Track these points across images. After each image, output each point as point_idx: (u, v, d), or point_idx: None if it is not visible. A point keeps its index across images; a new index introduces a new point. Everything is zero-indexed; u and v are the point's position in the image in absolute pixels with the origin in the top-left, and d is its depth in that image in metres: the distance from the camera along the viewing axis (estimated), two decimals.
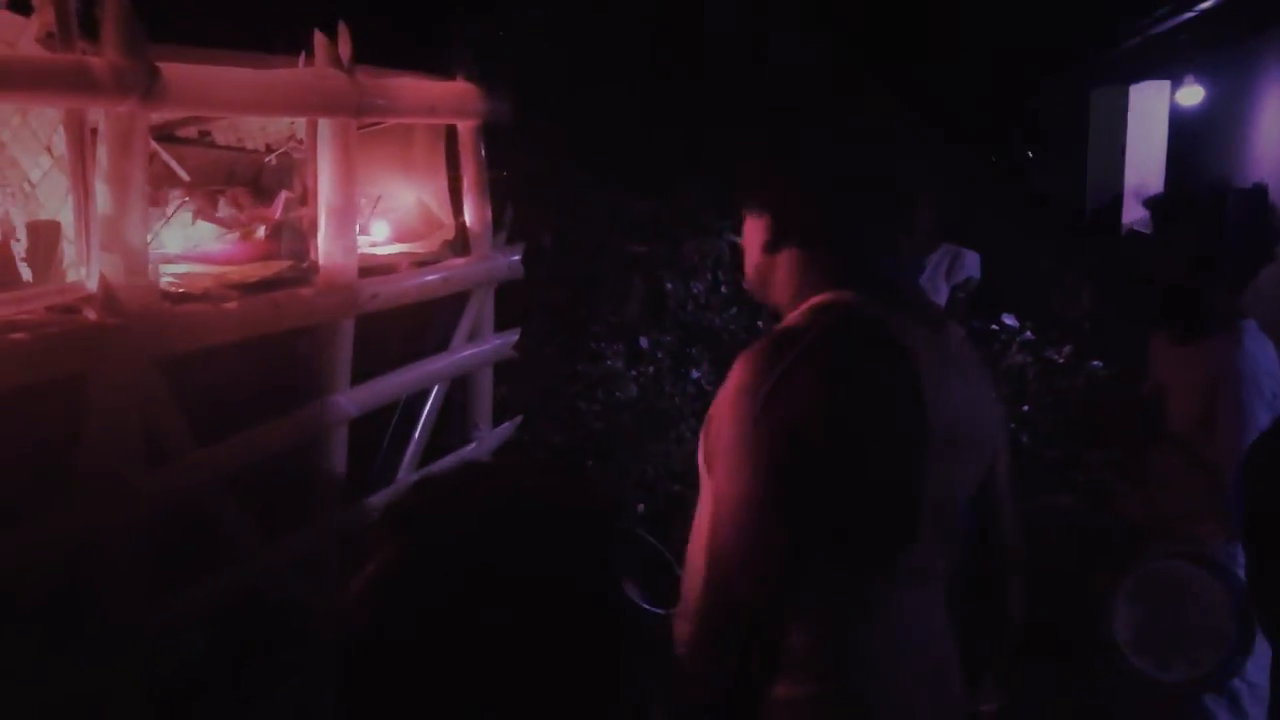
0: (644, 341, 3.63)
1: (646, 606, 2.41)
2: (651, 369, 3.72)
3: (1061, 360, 4.45)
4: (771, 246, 1.54)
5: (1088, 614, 2.24)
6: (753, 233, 1.57)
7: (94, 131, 1.83)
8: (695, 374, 3.78)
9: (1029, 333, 4.56)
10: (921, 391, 1.42)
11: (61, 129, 1.87)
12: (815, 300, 1.50)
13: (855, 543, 1.44)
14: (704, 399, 3.94)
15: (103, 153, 1.82)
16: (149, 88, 1.84)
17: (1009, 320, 4.55)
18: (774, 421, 1.37)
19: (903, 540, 1.44)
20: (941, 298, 4.06)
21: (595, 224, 3.43)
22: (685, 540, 1.98)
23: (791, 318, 1.53)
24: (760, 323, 3.92)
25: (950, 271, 4.22)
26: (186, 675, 2.18)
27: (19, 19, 1.94)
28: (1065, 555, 2.76)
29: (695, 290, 3.64)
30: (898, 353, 1.43)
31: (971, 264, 4.22)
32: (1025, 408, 4.24)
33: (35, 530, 1.74)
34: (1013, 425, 3.92)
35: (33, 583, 1.78)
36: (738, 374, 1.44)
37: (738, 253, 2.39)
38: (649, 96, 3.26)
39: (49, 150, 1.94)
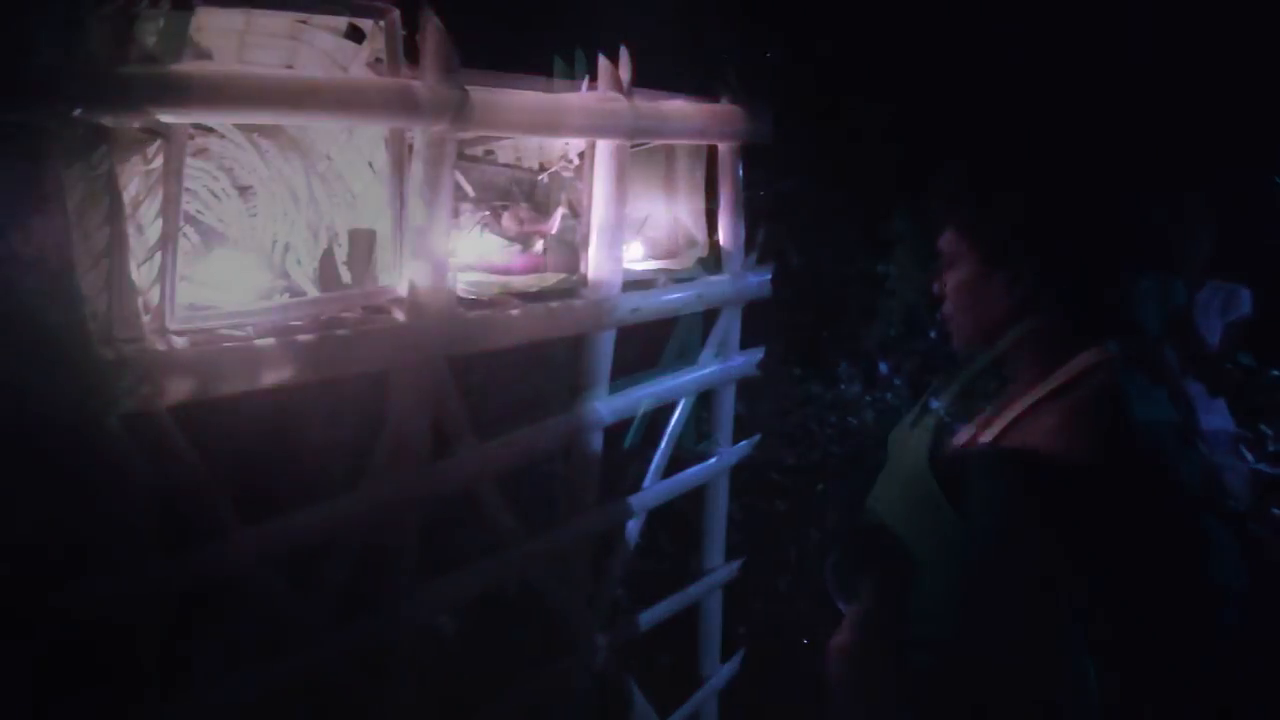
0: (884, 367, 3.56)
1: None
2: (889, 395, 3.63)
3: None
4: (1025, 297, 1.43)
5: None
6: (984, 284, 1.46)
7: (410, 148, 2.02)
8: (934, 404, 3.65)
9: None
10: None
11: (384, 145, 2.06)
12: (1102, 356, 1.40)
13: None
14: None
15: (418, 168, 2.00)
16: (460, 110, 2.00)
17: None
18: None
19: None
20: (1215, 336, 3.77)
21: (845, 245, 3.39)
22: None
23: (1087, 371, 1.42)
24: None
25: (1225, 309, 3.91)
26: (440, 657, 2.34)
27: (351, 46, 2.17)
28: None
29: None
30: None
31: (1245, 301, 3.91)
32: None
33: (335, 509, 1.92)
34: None
35: (329, 558, 1.97)
36: (1069, 436, 1.34)
37: None
38: (907, 117, 3.20)
39: (370, 165, 2.14)
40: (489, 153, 2.80)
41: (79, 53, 1.43)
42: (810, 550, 3.63)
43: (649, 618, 2.81)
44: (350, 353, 1.89)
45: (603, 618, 2.63)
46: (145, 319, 1.56)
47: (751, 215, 2.95)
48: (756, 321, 3.06)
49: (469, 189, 2.59)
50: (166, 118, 1.56)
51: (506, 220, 2.56)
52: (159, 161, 1.66)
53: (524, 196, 2.78)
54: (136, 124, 1.54)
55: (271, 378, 1.69)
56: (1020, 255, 1.36)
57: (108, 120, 1.48)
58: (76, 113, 1.45)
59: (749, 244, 2.95)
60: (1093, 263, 1.38)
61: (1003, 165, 1.47)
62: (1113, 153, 1.48)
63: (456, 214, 2.48)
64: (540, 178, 2.87)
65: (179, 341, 1.61)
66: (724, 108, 2.75)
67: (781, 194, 3.04)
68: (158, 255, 1.66)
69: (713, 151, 2.89)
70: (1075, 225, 1.38)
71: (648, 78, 2.50)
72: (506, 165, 2.85)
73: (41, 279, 1.32)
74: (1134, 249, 1.41)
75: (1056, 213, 1.39)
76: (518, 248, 2.51)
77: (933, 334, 3.72)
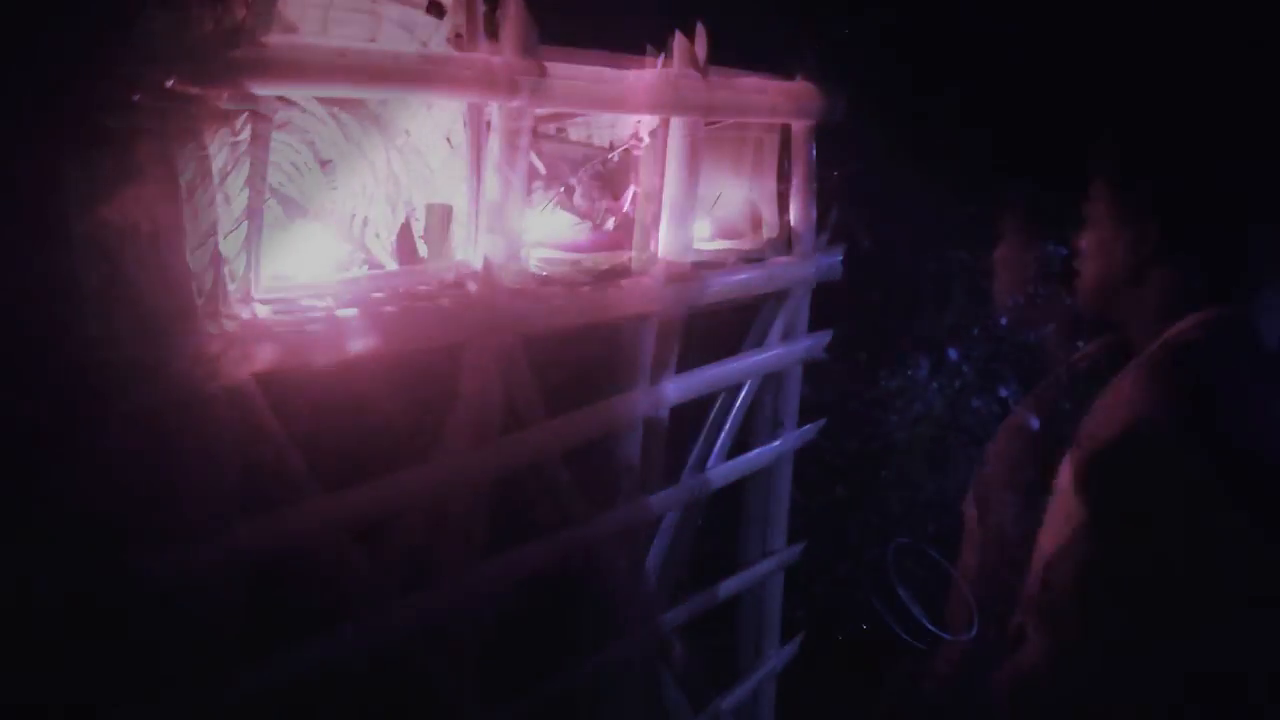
0: (953, 353, 3.50)
1: (930, 627, 2.31)
2: (957, 383, 3.57)
3: None
4: (1148, 257, 1.43)
5: None
6: (1112, 242, 1.47)
7: (488, 124, 2.02)
8: (1004, 392, 3.59)
9: None
10: None
11: (462, 121, 2.07)
12: (1203, 316, 1.40)
13: None
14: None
15: (494, 144, 2.00)
16: (537, 86, 2.00)
17: None
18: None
19: None
20: None
21: (919, 229, 3.33)
22: (974, 563, 1.88)
23: (1182, 331, 1.41)
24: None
25: None
26: (505, 630, 2.36)
27: (431, 20, 2.18)
28: None
29: (1012, 303, 3.45)
30: None
31: None
32: None
33: (407, 480, 1.95)
34: None
35: (400, 529, 2.00)
36: (1135, 392, 1.34)
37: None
38: (989, 97, 3.12)
39: (448, 140, 2.16)
40: (561, 130, 2.80)
41: (174, 25, 1.46)
42: (871, 537, 3.60)
43: (710, 598, 2.81)
44: (427, 325, 1.91)
45: (664, 597, 2.64)
46: (232, 289, 1.60)
47: (824, 196, 2.91)
48: (825, 305, 3.02)
49: (541, 166, 2.60)
50: (255, 90, 1.59)
51: (578, 198, 2.56)
52: (245, 134, 1.69)
53: (595, 174, 2.78)
54: (227, 96, 1.56)
55: (352, 349, 1.72)
56: (1148, 215, 1.40)
57: (201, 92, 1.51)
58: (170, 84, 1.48)
59: (820, 225, 2.92)
60: (1217, 226, 1.40)
61: (1141, 129, 1.50)
62: (1248, 121, 1.49)
63: (529, 191, 2.49)
64: (611, 156, 2.86)
65: (263, 311, 1.64)
66: (799, 86, 2.71)
67: (854, 175, 3.00)
68: (242, 226, 1.69)
69: (786, 131, 2.85)
70: (1203, 189, 1.41)
71: (723, 54, 2.47)
72: (578, 143, 2.84)
73: (153, 253, 1.35)
74: (1259, 216, 1.43)
75: (1187, 176, 1.42)
76: (588, 225, 2.51)
77: (1004, 321, 3.64)
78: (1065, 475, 1.48)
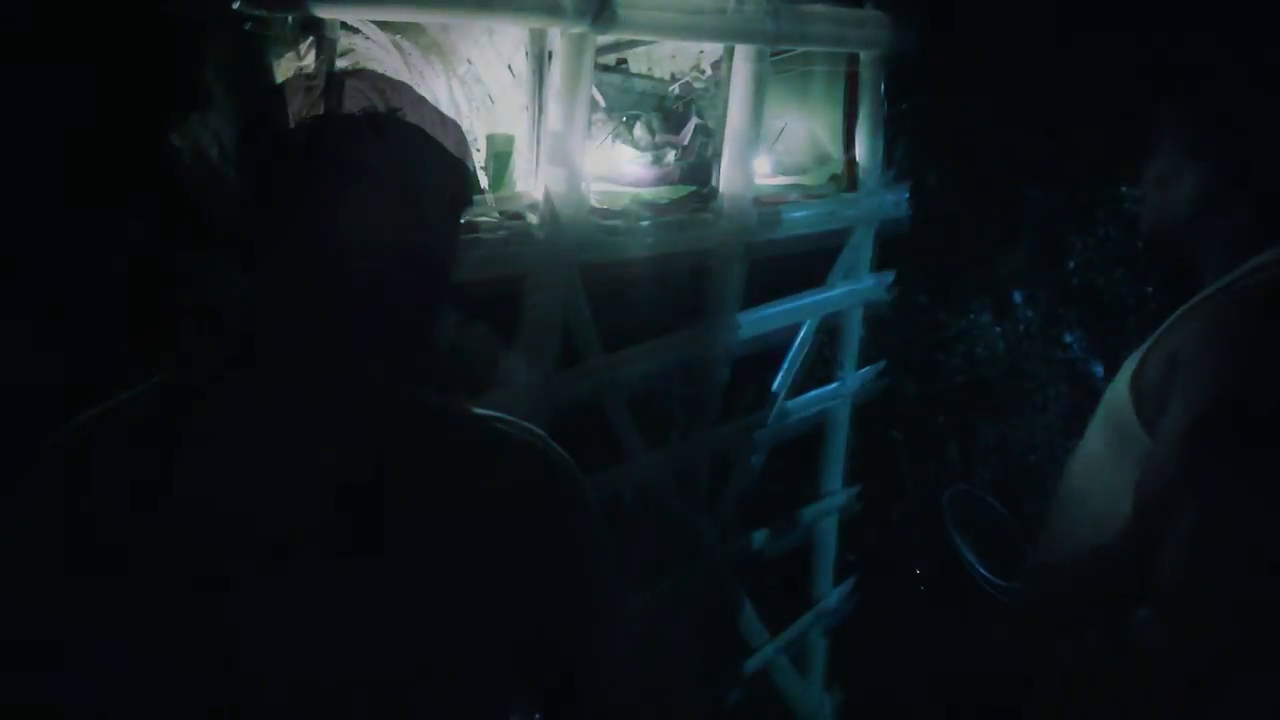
0: (1017, 296, 3.41)
1: (986, 575, 2.28)
2: (1021, 327, 3.48)
3: None
4: (1221, 192, 1.38)
5: None
6: (1188, 177, 1.42)
7: (549, 53, 1.98)
8: (1068, 338, 3.50)
9: None
10: None
11: (523, 49, 2.03)
12: (1256, 262, 1.34)
13: None
14: (1073, 366, 3.65)
15: (556, 72, 1.96)
16: (600, 12, 1.95)
17: None
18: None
19: None
20: None
21: (986, 164, 3.21)
22: (1035, 512, 1.84)
23: (1266, 265, 1.36)
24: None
25: None
26: None
27: None
28: None
29: (1079, 245, 3.34)
30: None
31: None
32: None
33: None
34: None
35: None
36: (1236, 334, 1.28)
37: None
38: (1065, 31, 2.98)
39: (510, 69, 2.12)
40: (621, 62, 2.74)
41: None
42: (928, 482, 3.56)
43: (765, 538, 2.80)
44: (489, 256, 1.89)
45: (720, 533, 2.64)
46: None
47: (891, 131, 2.82)
48: (891, 244, 2.95)
49: (600, 99, 2.55)
50: (320, 12, 1.57)
51: (638, 130, 2.51)
52: (310, 59, 1.67)
53: (656, 107, 2.72)
54: (290, 18, 1.54)
55: None
56: (1217, 149, 1.35)
57: (263, 12, 1.49)
58: (235, 5, 1.46)
59: (886, 161, 2.84)
60: None
61: (1212, 61, 1.45)
62: None
63: (590, 124, 2.45)
64: (672, 88, 2.80)
65: None
66: (868, 14, 2.62)
67: (923, 109, 2.90)
68: None
69: (854, 61, 2.76)
70: (1271, 125, 1.35)
71: None
72: (639, 75, 2.78)
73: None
74: None
75: (1255, 112, 1.36)
76: (649, 158, 2.46)
77: (1072, 264, 3.54)
78: (1119, 392, 1.41)
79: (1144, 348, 1.40)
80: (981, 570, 2.18)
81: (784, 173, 2.88)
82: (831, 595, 3.15)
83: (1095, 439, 1.49)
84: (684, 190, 2.37)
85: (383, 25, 2.06)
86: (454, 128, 0.92)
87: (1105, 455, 1.48)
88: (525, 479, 0.92)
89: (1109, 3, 3.14)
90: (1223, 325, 1.30)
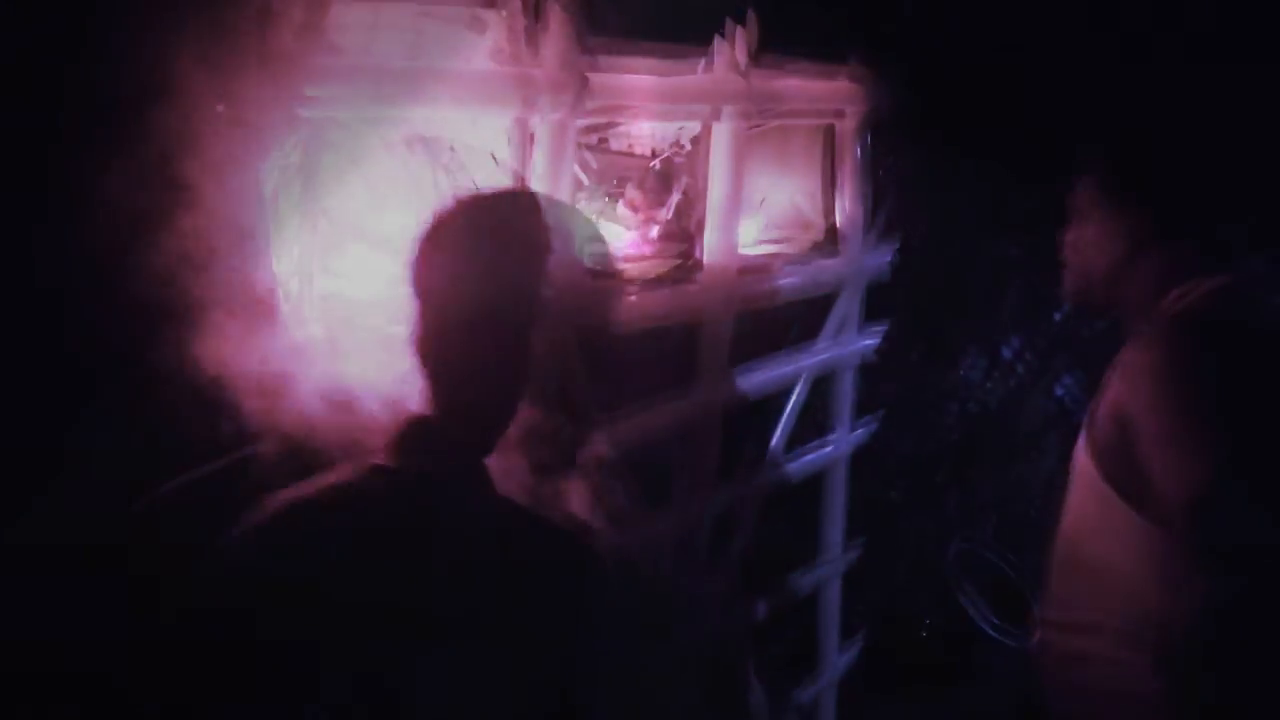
0: (1007, 351, 3.44)
1: (993, 633, 2.27)
2: (1013, 381, 3.51)
3: None
4: (1141, 242, 1.48)
5: None
6: (1107, 232, 1.51)
7: (531, 138, 2.04)
8: (1059, 390, 3.52)
9: None
10: None
11: (506, 136, 2.08)
12: (1201, 286, 1.44)
13: None
14: (1066, 416, 3.66)
15: (539, 157, 2.02)
16: (578, 97, 2.01)
17: None
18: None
19: None
20: None
21: (969, 225, 3.27)
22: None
23: (1182, 302, 1.44)
24: None
25: None
26: None
27: (474, 36, 2.20)
28: None
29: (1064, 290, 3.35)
30: None
31: None
32: None
33: None
34: None
35: None
36: (1168, 360, 1.35)
37: None
38: (1038, 92, 3.04)
39: (493, 156, 2.17)
40: (602, 140, 2.80)
41: (225, 44, 1.49)
42: (928, 540, 3.55)
43: (767, 602, 2.79)
44: None
45: (719, 598, 2.62)
46: (285, 308, 1.63)
47: (873, 193, 2.87)
48: (879, 304, 2.98)
49: (584, 177, 2.60)
50: (305, 110, 1.62)
51: (621, 207, 2.57)
52: (296, 156, 1.72)
53: (638, 184, 2.78)
54: (277, 116, 1.59)
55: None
56: (1142, 203, 1.46)
57: (251, 114, 1.54)
58: (219, 109, 1.51)
59: (869, 223, 2.89)
60: (1207, 203, 1.46)
61: (1137, 117, 1.57)
62: (1233, 108, 1.55)
63: (573, 202, 2.49)
64: (653, 164, 2.86)
65: (317, 330, 1.67)
66: (846, 83, 2.69)
67: (904, 171, 2.96)
68: (294, 247, 1.72)
69: (833, 127, 2.82)
70: (1191, 170, 1.47)
71: (772, 38, 2.42)
72: (619, 153, 2.84)
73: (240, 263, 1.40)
74: (1245, 192, 1.49)
75: (1176, 160, 1.48)
76: (633, 234, 2.51)
77: (1057, 316, 3.57)
78: (1081, 457, 1.48)
79: (1089, 408, 1.47)
80: (990, 624, 2.18)
81: (770, 238, 2.93)
82: (839, 659, 3.12)
83: (1076, 500, 1.52)
84: (669, 263, 2.41)
85: (366, 118, 2.11)
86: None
87: (1089, 513, 1.51)
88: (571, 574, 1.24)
89: (1061, 68, 3.22)
90: (1160, 383, 1.36)
